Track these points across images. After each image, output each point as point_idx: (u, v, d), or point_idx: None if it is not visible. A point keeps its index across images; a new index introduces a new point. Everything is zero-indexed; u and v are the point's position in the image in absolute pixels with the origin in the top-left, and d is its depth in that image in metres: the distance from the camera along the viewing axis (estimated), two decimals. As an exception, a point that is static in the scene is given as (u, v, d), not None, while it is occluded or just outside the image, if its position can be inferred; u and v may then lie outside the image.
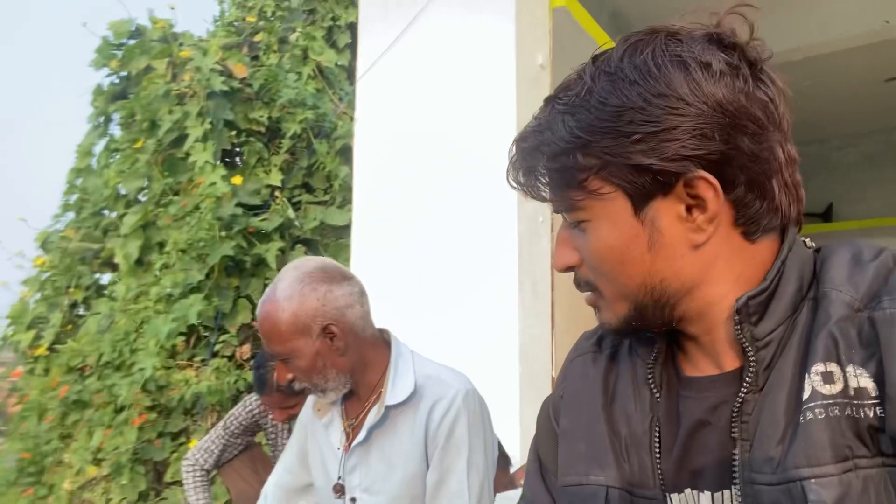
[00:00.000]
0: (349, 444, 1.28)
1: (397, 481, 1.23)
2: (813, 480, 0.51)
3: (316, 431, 1.34)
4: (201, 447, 2.33)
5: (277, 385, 1.94)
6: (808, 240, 0.64)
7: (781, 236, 0.62)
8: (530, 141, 0.64)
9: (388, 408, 1.24)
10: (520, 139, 0.65)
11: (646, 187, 0.58)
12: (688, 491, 0.61)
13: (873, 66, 3.64)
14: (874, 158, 4.88)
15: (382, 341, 1.34)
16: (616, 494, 0.64)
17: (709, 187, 0.57)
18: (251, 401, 2.31)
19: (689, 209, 0.59)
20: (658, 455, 0.63)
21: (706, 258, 0.60)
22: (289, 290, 1.22)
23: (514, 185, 0.67)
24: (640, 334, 0.68)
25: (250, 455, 2.39)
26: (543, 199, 0.67)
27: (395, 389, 1.25)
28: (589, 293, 0.67)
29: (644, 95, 0.56)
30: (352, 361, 1.26)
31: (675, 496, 0.62)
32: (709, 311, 0.61)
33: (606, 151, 0.58)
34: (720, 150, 0.56)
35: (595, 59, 0.62)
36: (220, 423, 2.33)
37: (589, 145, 0.59)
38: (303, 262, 1.28)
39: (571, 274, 0.68)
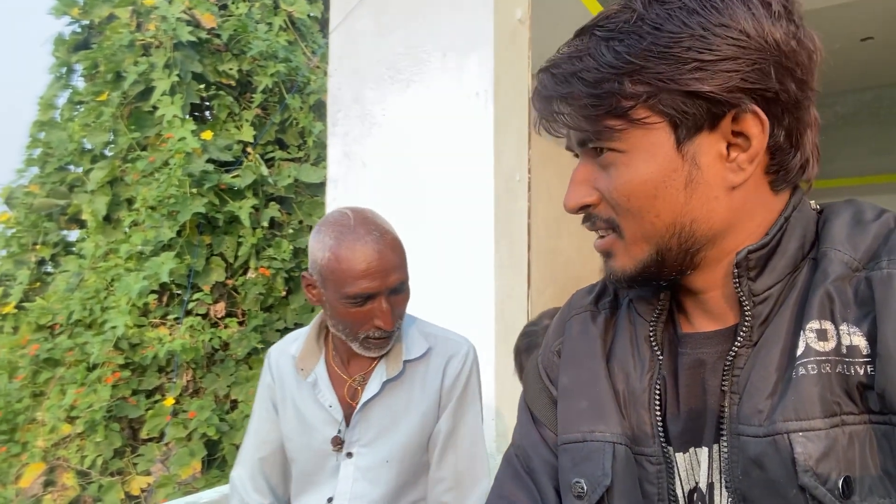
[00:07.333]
0: (357, 401, 1.28)
1: (403, 433, 1.27)
2: (800, 433, 0.52)
3: (301, 391, 1.32)
4: None
5: None
6: (812, 201, 0.64)
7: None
8: (566, 67, 0.60)
9: (405, 362, 1.28)
10: (551, 66, 0.61)
11: (695, 118, 0.57)
12: (692, 450, 0.62)
13: (850, 26, 3.64)
14: (848, 118, 4.94)
15: None
16: (622, 450, 0.64)
17: (757, 123, 0.56)
18: None
19: (728, 148, 0.58)
20: (659, 413, 0.63)
21: (737, 203, 0.59)
22: (386, 223, 1.24)
23: (541, 114, 0.64)
24: (648, 286, 0.67)
25: None
26: (560, 134, 0.64)
27: (411, 345, 1.30)
28: (602, 238, 0.64)
29: (704, 24, 0.55)
30: None
31: (679, 455, 0.62)
32: (723, 260, 0.61)
33: (659, 77, 0.56)
34: (774, 88, 0.56)
35: None
36: None
37: (640, 71, 0.56)
38: (364, 208, 1.29)
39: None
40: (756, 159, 0.58)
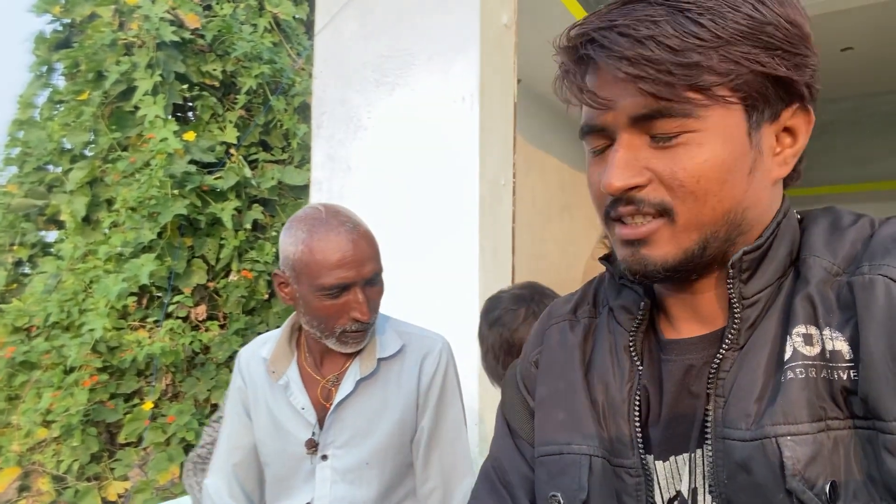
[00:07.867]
0: (332, 402, 1.26)
1: (382, 433, 1.25)
2: (788, 437, 0.51)
3: (274, 394, 1.29)
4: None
5: None
6: (794, 210, 0.65)
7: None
8: (642, 30, 0.54)
9: (379, 360, 1.26)
10: (618, 26, 0.55)
11: (771, 105, 0.57)
12: (672, 458, 0.61)
13: (830, 36, 3.69)
14: (826, 128, 5.01)
15: None
16: (599, 463, 0.63)
17: (808, 120, 0.59)
18: None
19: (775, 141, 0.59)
20: (638, 423, 0.62)
21: (770, 197, 0.60)
22: (358, 217, 1.23)
23: (597, 72, 0.58)
24: (676, 279, 0.63)
25: None
26: (596, 103, 0.58)
27: (384, 343, 1.28)
28: (642, 225, 0.59)
29: (778, 18, 0.55)
30: None
31: (659, 464, 0.61)
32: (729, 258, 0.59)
33: (748, 58, 0.54)
34: (818, 89, 0.59)
35: None
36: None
37: (727, 47, 0.54)
38: (335, 203, 1.30)
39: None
40: (797, 156, 0.59)
